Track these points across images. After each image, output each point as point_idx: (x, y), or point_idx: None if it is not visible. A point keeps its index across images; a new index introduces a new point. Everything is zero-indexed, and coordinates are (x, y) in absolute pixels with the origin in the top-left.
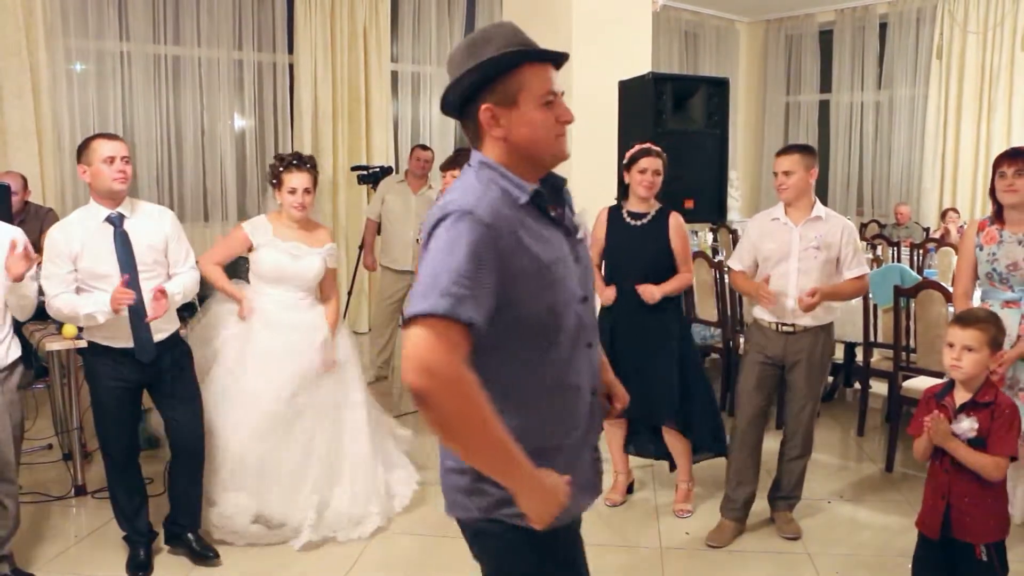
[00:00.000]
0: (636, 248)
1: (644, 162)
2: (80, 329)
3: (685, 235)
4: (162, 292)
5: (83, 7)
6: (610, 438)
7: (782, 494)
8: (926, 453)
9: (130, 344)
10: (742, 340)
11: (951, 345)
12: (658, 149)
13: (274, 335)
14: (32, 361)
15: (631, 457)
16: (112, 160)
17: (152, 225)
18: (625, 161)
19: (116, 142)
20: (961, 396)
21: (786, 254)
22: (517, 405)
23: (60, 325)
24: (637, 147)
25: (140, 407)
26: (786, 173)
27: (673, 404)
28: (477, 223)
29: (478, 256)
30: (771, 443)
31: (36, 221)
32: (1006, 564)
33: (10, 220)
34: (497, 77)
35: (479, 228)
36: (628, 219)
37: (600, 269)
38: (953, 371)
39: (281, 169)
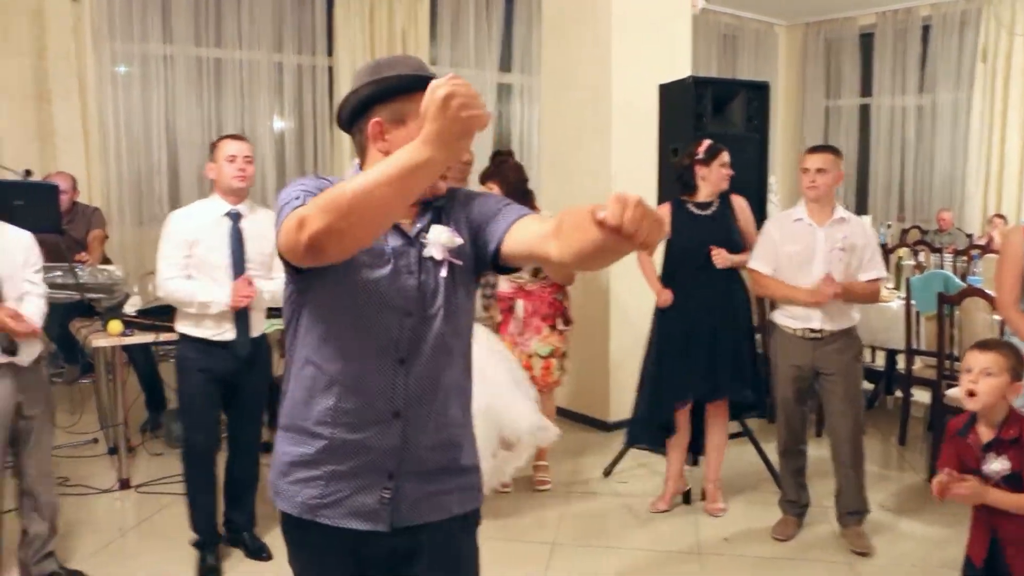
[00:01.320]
0: (705, 237)
1: (726, 155)
2: (126, 325)
3: (749, 214)
4: (249, 281)
5: (128, 11)
6: (673, 450)
7: (848, 508)
8: (944, 494)
9: (231, 336)
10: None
11: (968, 370)
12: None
13: None
14: (78, 357)
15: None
16: (234, 159)
17: (266, 229)
18: (701, 156)
19: (240, 142)
20: (984, 432)
21: (810, 256)
22: (302, 374)
23: (106, 322)
24: (708, 142)
25: (221, 403)
26: (820, 171)
27: (741, 380)
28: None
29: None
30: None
31: (83, 220)
32: None
33: (59, 219)
34: (394, 96)
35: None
36: (694, 209)
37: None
38: (969, 401)
39: None
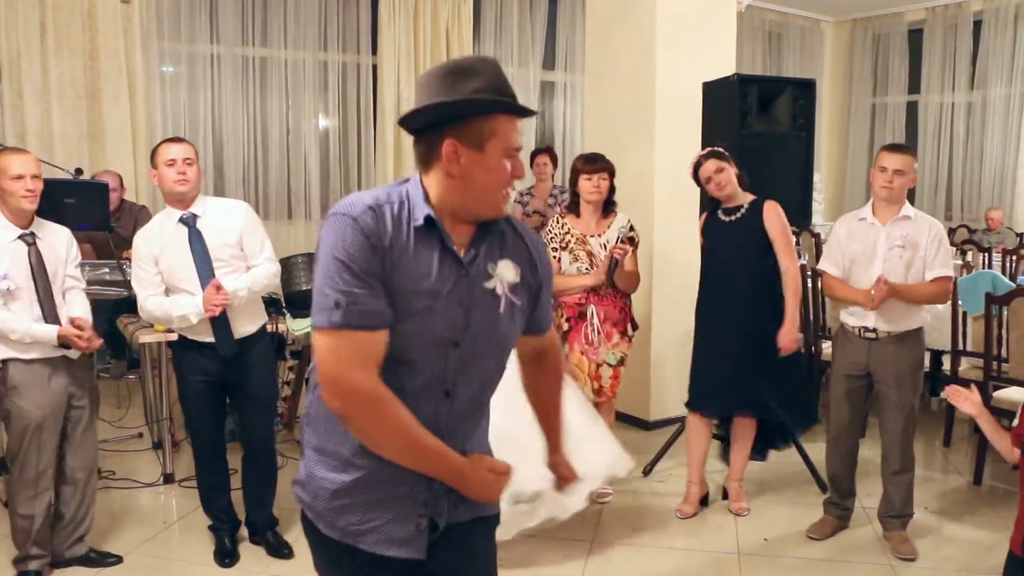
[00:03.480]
0: (731, 240)
1: (701, 171)
2: None
3: (782, 221)
4: (218, 287)
5: (176, 11)
6: (692, 446)
7: (893, 512)
8: (953, 396)
9: (210, 338)
10: (824, 346)
11: None
12: (713, 151)
13: None
14: (126, 352)
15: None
16: (173, 163)
17: (224, 220)
18: (692, 177)
19: (178, 145)
20: None
21: (872, 255)
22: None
23: None
24: (693, 159)
25: (225, 402)
26: (898, 172)
27: (767, 398)
28: (349, 221)
29: (352, 257)
30: (875, 454)
31: (131, 218)
32: None
33: (107, 217)
34: (471, 117)
35: (352, 226)
36: (722, 216)
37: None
38: None
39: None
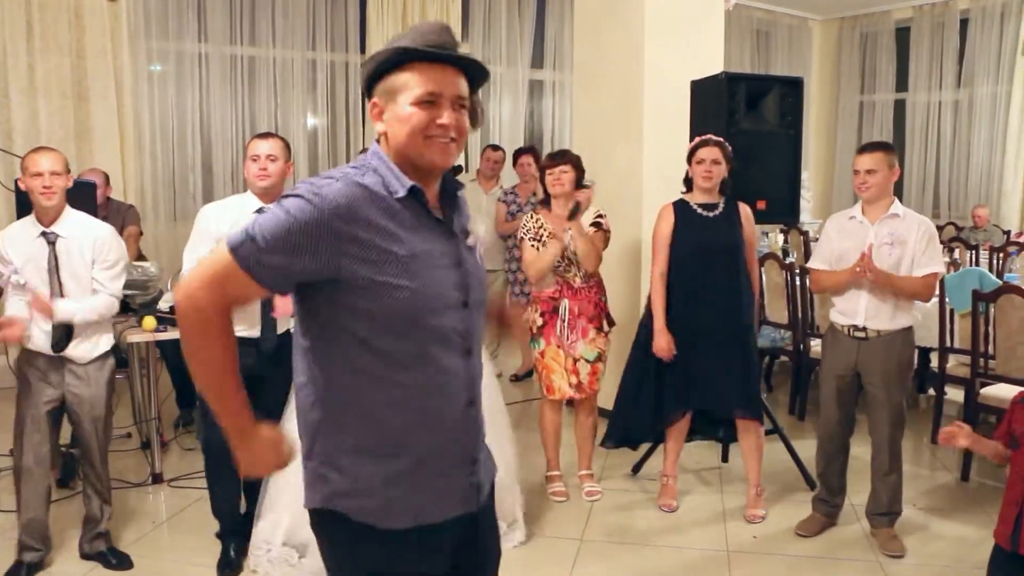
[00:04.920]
0: (711, 238)
1: (701, 152)
2: (160, 321)
3: (753, 224)
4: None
5: (164, 10)
6: (670, 443)
7: (881, 510)
8: (947, 440)
9: (251, 333)
10: (812, 344)
11: None
12: (718, 139)
13: None
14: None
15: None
16: (257, 158)
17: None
18: (687, 156)
19: (263, 141)
20: None
21: (860, 252)
22: (368, 390)
23: (140, 318)
24: (696, 139)
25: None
26: (869, 172)
27: (747, 395)
28: (309, 204)
29: (292, 234)
30: (864, 451)
31: (118, 217)
32: None
33: (94, 215)
34: (387, 73)
35: (309, 208)
36: (699, 210)
37: (659, 277)
38: None
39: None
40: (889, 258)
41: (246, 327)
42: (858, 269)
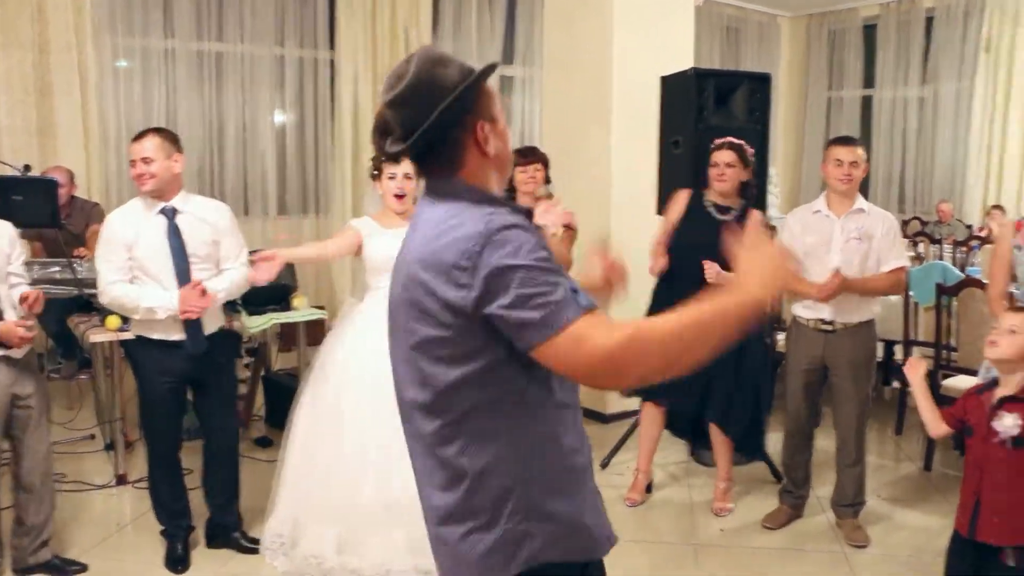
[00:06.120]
0: (720, 242)
1: (715, 156)
2: (124, 320)
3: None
4: (202, 291)
5: (129, 5)
6: (645, 435)
7: (846, 501)
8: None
9: (180, 336)
10: (779, 337)
11: (996, 327)
12: (738, 143)
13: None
14: (76, 352)
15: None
16: (133, 163)
17: (206, 218)
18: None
19: (137, 144)
20: (1002, 392)
21: (827, 247)
22: (546, 421)
23: (103, 317)
24: (717, 141)
25: (185, 400)
26: (853, 164)
27: (722, 404)
28: (525, 228)
29: (548, 255)
30: (829, 443)
31: (82, 215)
32: None
33: (57, 214)
34: (482, 93)
35: (530, 231)
36: (713, 211)
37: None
38: (988, 348)
39: (383, 159)
40: (857, 253)
41: (162, 332)
42: (828, 288)
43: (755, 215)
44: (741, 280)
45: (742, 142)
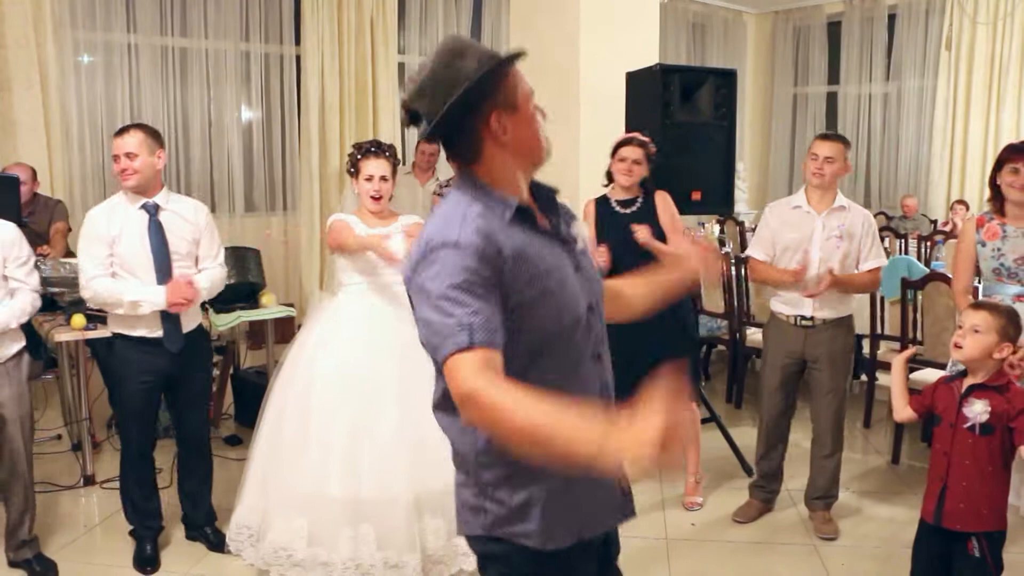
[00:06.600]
0: (629, 235)
1: (623, 151)
2: (90, 319)
3: (672, 209)
4: (189, 282)
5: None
6: None
7: (819, 494)
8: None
9: (156, 333)
10: (749, 332)
11: (960, 326)
12: (643, 140)
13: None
14: (41, 352)
15: None
16: (116, 158)
17: (188, 216)
18: (611, 151)
19: (118, 139)
20: (973, 382)
21: (808, 243)
22: None
23: (69, 316)
24: (621, 136)
25: (160, 402)
26: (828, 159)
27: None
28: (462, 249)
29: (469, 281)
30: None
31: (45, 212)
32: (1000, 561)
33: (19, 212)
34: (500, 83)
35: (465, 254)
36: (617, 207)
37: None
38: (954, 351)
39: (359, 157)
40: (838, 250)
41: (146, 329)
42: (819, 286)
43: (661, 197)
44: (618, 433)
45: (648, 140)
